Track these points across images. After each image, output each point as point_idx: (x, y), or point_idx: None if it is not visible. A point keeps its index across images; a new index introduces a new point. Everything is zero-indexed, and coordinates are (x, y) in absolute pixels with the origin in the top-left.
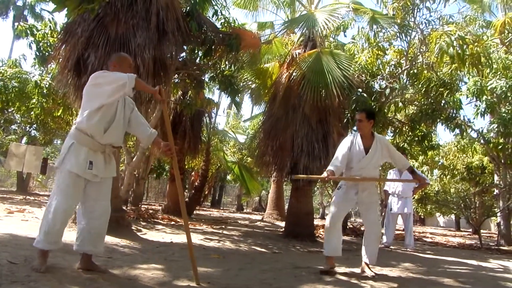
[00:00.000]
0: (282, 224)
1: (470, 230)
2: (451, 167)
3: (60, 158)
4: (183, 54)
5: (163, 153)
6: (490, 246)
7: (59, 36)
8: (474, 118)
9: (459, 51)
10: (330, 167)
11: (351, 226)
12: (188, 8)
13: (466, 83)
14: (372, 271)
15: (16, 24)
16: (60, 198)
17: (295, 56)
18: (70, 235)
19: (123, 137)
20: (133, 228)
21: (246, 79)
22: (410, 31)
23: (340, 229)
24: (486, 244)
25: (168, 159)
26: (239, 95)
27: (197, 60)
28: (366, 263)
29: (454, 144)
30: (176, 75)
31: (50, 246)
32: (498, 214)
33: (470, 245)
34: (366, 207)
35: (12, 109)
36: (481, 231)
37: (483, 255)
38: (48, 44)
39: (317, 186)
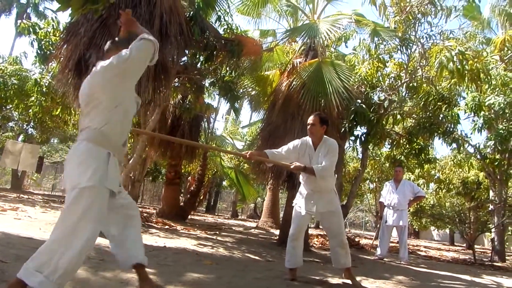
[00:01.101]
0: (277, 232)
1: (464, 245)
2: (447, 181)
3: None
4: (185, 58)
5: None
6: (483, 262)
7: (61, 35)
8: (471, 133)
9: (459, 66)
10: (265, 150)
11: None
12: (191, 12)
13: (464, 98)
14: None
15: (19, 21)
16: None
17: (296, 64)
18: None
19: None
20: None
21: (246, 86)
22: (411, 45)
23: (302, 242)
24: (479, 259)
25: (164, 162)
26: (239, 101)
27: (198, 65)
28: (345, 269)
29: (451, 158)
30: (177, 79)
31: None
32: (493, 230)
33: (464, 260)
34: (327, 216)
35: (11, 106)
36: (475, 246)
37: (477, 271)
38: (50, 42)
39: None
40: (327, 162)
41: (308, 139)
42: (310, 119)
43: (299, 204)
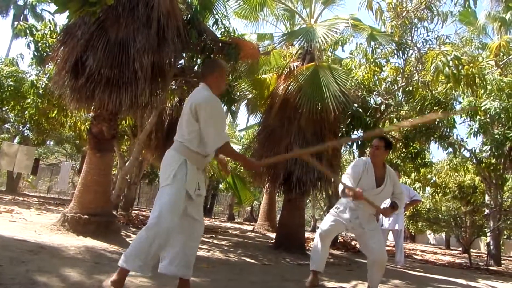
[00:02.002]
0: (273, 235)
1: (460, 249)
2: (443, 185)
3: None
4: (182, 61)
5: None
6: (479, 266)
7: (58, 37)
8: (467, 138)
9: (455, 71)
10: (348, 184)
11: (342, 240)
12: (189, 16)
13: (460, 102)
14: None
15: (15, 23)
16: (170, 216)
17: (292, 68)
18: (58, 238)
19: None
20: (122, 233)
21: (243, 89)
22: (407, 49)
23: (328, 246)
24: (475, 263)
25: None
26: (236, 104)
27: (195, 68)
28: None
29: (447, 162)
30: (174, 81)
31: (146, 271)
32: (488, 234)
33: (459, 264)
34: (370, 233)
35: (6, 107)
36: (471, 250)
37: (472, 275)
38: (47, 44)
39: (309, 199)
40: (400, 190)
41: (365, 163)
42: (376, 142)
43: (342, 212)
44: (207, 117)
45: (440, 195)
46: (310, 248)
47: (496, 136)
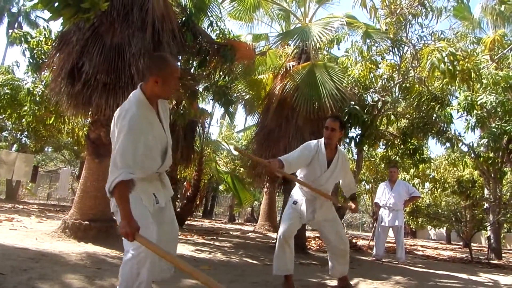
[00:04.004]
0: (274, 235)
1: (461, 243)
2: (442, 180)
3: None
4: (178, 64)
5: None
6: (480, 260)
7: (53, 44)
8: (464, 132)
9: (450, 67)
10: (280, 158)
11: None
12: (183, 18)
13: (457, 97)
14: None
15: (10, 30)
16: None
17: (289, 68)
18: (59, 245)
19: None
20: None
21: (240, 90)
22: (402, 46)
23: (293, 246)
24: (476, 257)
25: None
26: (233, 105)
27: (192, 70)
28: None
29: (445, 157)
30: None
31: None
32: (488, 228)
33: (460, 259)
34: (326, 224)
35: (3, 116)
36: (472, 244)
37: (474, 269)
38: (42, 51)
39: None
40: (352, 179)
41: (320, 144)
42: (330, 124)
43: (299, 206)
44: (118, 132)
45: (439, 190)
46: (312, 247)
47: (493, 129)
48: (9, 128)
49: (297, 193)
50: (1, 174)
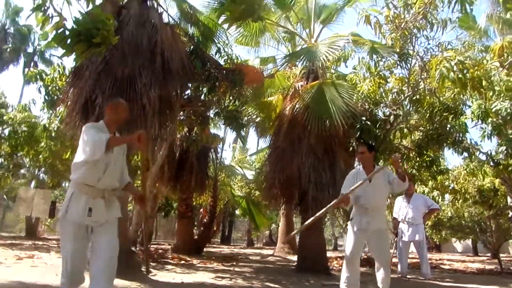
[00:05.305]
0: (294, 258)
1: (489, 254)
2: (463, 191)
3: (63, 208)
4: (188, 91)
5: (136, 202)
6: (511, 270)
7: (67, 80)
8: (481, 141)
9: (460, 76)
10: (344, 193)
11: (365, 256)
12: (191, 47)
13: (470, 106)
14: None
15: (26, 69)
16: (67, 244)
17: (297, 88)
18: None
19: (122, 178)
20: (142, 269)
21: (250, 113)
22: (410, 59)
23: (358, 265)
24: (506, 268)
25: (175, 196)
26: (244, 129)
27: (202, 97)
28: None
29: (463, 167)
30: (182, 112)
31: (73, 285)
32: None
33: (490, 270)
34: (377, 234)
35: (21, 153)
36: (500, 255)
37: (504, 280)
38: (57, 87)
39: (328, 217)
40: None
41: (359, 168)
42: (359, 149)
43: (353, 223)
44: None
45: (460, 201)
46: (334, 268)
47: (511, 136)
48: (27, 165)
49: (353, 212)
50: (20, 211)
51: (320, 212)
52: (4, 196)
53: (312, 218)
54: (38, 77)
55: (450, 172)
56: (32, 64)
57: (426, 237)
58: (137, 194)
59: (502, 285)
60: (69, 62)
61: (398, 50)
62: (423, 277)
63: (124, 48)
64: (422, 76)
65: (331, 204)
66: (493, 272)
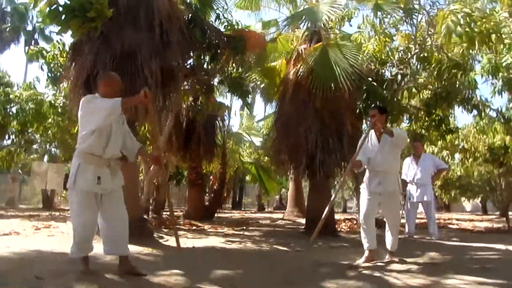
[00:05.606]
0: (303, 221)
1: (498, 213)
2: (472, 149)
3: (71, 179)
4: (190, 60)
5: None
6: None
7: (68, 56)
8: (491, 97)
9: (467, 29)
10: (357, 159)
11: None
12: (190, 15)
13: (480, 61)
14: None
15: (27, 48)
16: (78, 213)
17: (300, 51)
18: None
19: (132, 145)
20: (155, 235)
21: (254, 80)
22: (416, 14)
23: (374, 225)
24: None
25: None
26: (250, 96)
27: (205, 66)
28: (390, 252)
29: (473, 125)
30: (185, 82)
31: (83, 253)
32: None
33: (497, 229)
34: (389, 196)
35: (31, 129)
36: (509, 213)
37: (511, 238)
38: (59, 64)
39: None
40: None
41: (371, 132)
42: (370, 112)
43: (365, 186)
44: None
45: (470, 160)
46: (342, 230)
47: None
48: (38, 141)
49: (366, 175)
50: (35, 185)
51: (341, 180)
52: (19, 171)
53: (337, 188)
54: (39, 55)
55: (459, 130)
56: (33, 42)
57: (435, 197)
58: (152, 156)
59: (509, 243)
60: (68, 38)
61: (403, 5)
62: (430, 237)
63: (120, 20)
64: (429, 32)
65: (346, 170)
66: (501, 230)
